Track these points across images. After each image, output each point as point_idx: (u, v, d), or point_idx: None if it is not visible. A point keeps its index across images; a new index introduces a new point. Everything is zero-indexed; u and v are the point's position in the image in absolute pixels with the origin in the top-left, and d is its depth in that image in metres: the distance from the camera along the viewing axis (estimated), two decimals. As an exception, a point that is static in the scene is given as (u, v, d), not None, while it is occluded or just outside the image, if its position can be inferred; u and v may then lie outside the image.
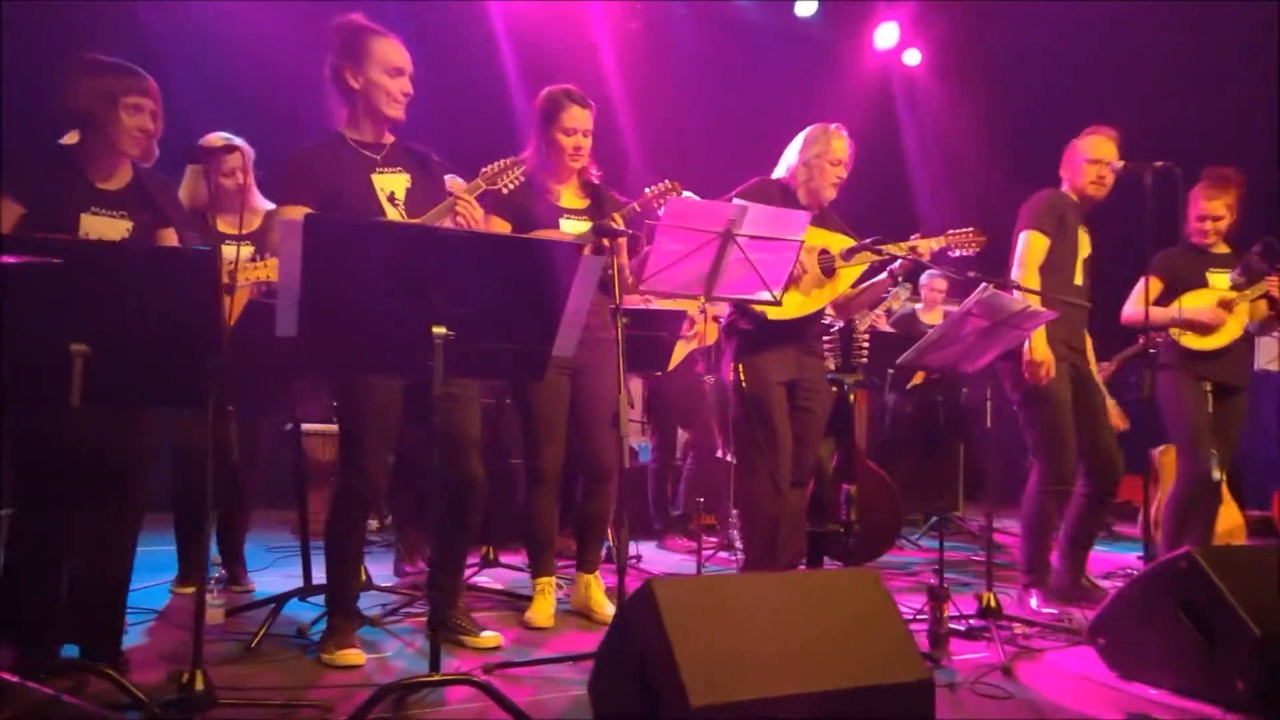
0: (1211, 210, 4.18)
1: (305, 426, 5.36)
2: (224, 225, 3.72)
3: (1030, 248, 3.83)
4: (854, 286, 3.72)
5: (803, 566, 3.89)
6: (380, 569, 4.36)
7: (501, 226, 3.27)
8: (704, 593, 2.13)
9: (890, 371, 5.61)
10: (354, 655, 2.92)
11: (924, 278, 6.22)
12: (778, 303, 3.06)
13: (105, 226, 2.68)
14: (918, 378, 5.93)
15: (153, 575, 3.86)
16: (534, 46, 6.79)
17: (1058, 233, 3.86)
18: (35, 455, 2.65)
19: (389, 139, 3.05)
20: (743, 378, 3.59)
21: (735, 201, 2.97)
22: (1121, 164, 3.83)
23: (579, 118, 3.40)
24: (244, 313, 3.11)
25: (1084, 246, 3.94)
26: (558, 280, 2.41)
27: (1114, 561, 5.05)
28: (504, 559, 4.50)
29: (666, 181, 3.23)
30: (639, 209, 3.28)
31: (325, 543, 3.13)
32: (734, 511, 5.35)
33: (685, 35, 7.86)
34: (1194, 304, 4.15)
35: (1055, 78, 7.51)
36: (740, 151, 7.28)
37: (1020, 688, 2.77)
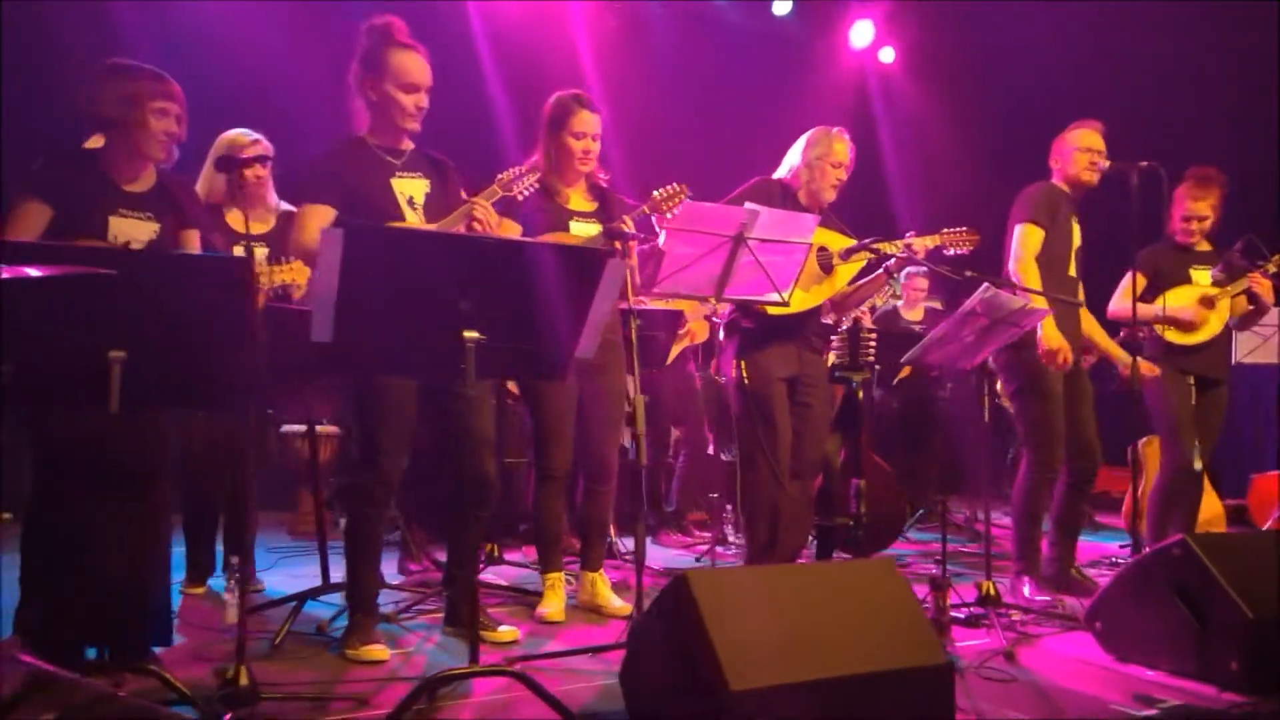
0: (1198, 210, 4.33)
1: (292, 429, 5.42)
2: (236, 222, 3.77)
3: (1026, 240, 3.94)
4: (850, 284, 3.84)
5: (805, 559, 4.00)
6: (384, 567, 4.42)
7: (512, 229, 3.35)
8: (736, 584, 2.23)
9: (877, 367, 5.73)
10: (378, 651, 2.99)
11: (902, 275, 6.35)
12: (786, 304, 3.16)
13: (133, 229, 2.74)
14: (904, 372, 6.05)
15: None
16: (511, 44, 6.83)
17: (1052, 224, 3.97)
18: (55, 457, 2.70)
19: (408, 145, 3.12)
20: (745, 374, 3.69)
21: (747, 206, 3.06)
22: (1108, 163, 3.96)
23: (588, 122, 3.48)
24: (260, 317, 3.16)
25: (1075, 237, 4.07)
26: (584, 284, 2.49)
27: (1096, 550, 5.21)
28: (507, 556, 4.58)
29: (674, 185, 3.32)
30: (648, 212, 3.36)
31: (345, 541, 3.20)
32: (728, 507, 5.46)
33: (662, 33, 7.93)
34: (1177, 300, 4.30)
35: (1029, 75, 7.65)
36: (717, 149, 7.40)
37: (1023, 671, 2.90)
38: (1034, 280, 3.82)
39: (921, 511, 6.03)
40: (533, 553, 4.85)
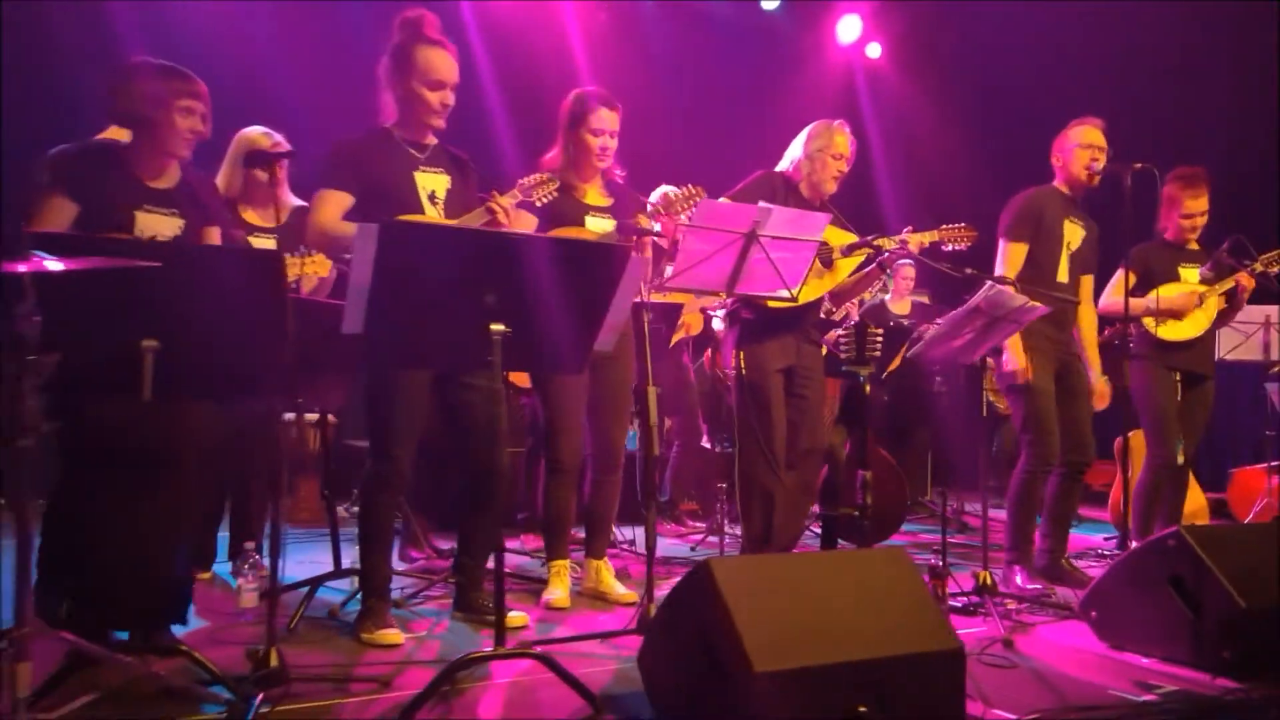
0: (1197, 209, 4.44)
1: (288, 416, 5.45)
2: (252, 217, 3.80)
3: (1009, 257, 4.05)
4: (849, 277, 3.91)
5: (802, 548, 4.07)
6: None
7: (528, 221, 3.40)
8: (755, 571, 2.30)
9: (840, 365, 5.81)
10: (393, 635, 3.04)
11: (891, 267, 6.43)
12: (795, 300, 3.23)
13: (159, 223, 2.78)
14: (893, 365, 6.15)
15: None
16: (502, 37, 6.86)
17: (1035, 236, 4.07)
18: (80, 445, 2.73)
19: (432, 140, 3.16)
20: (743, 365, 3.76)
21: (760, 204, 3.13)
22: (1102, 164, 4.05)
23: (606, 119, 3.53)
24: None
25: (1072, 238, 4.14)
26: (605, 279, 2.55)
27: (1082, 542, 5.32)
28: (506, 544, 4.63)
29: (690, 186, 3.38)
30: (662, 210, 3.42)
31: (359, 528, 3.25)
32: (723, 497, 5.54)
33: (652, 28, 7.97)
34: (1169, 295, 4.41)
35: (1015, 70, 7.77)
36: (705, 143, 7.46)
37: (1022, 658, 2.99)
38: None
39: (907, 503, 6.12)
40: (530, 541, 4.94)
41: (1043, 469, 4.02)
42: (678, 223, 3.37)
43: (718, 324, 5.29)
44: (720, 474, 5.78)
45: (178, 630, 2.87)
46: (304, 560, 4.27)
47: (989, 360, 4.03)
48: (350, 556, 3.85)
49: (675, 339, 5.54)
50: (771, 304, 3.63)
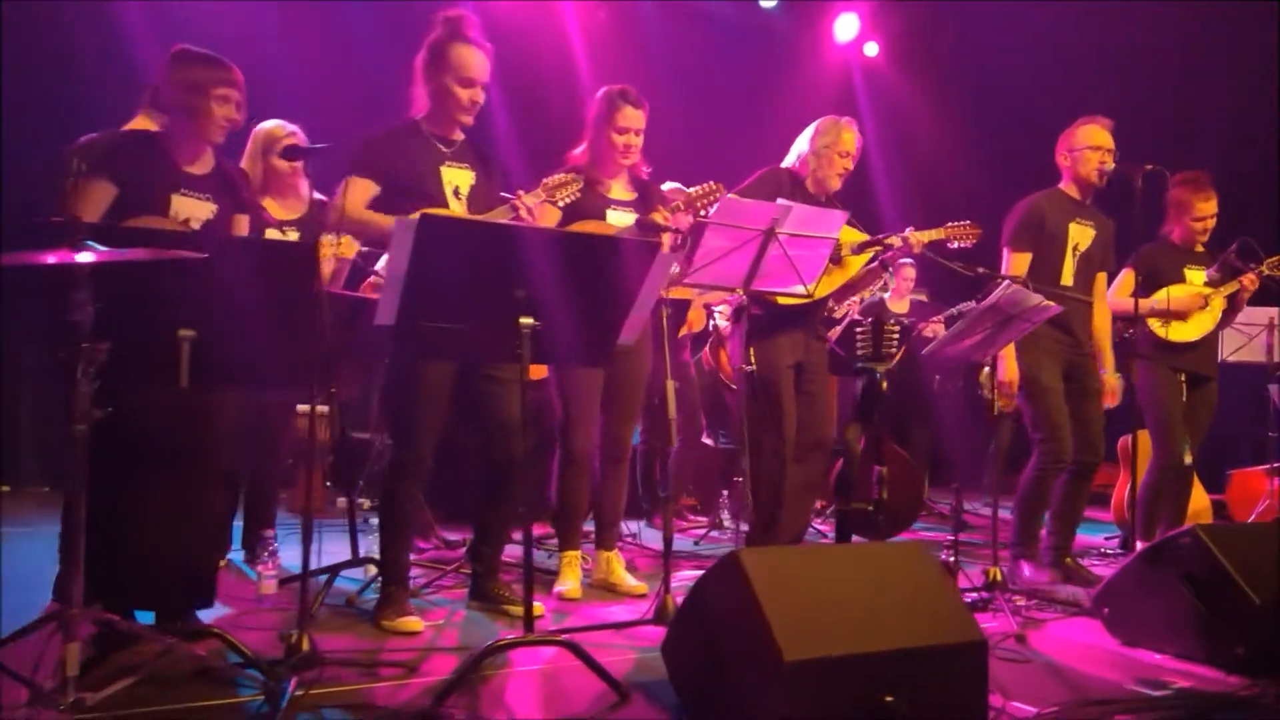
0: (1208, 211, 4.48)
1: (300, 408, 5.48)
2: (272, 208, 3.82)
3: (1012, 267, 4.09)
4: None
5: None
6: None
7: (552, 214, 3.42)
8: (783, 562, 2.33)
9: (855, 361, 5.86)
10: (414, 622, 3.07)
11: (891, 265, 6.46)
12: (811, 296, 3.27)
13: (194, 208, 2.83)
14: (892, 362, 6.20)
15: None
16: (501, 36, 6.85)
17: (1037, 243, 4.12)
18: (104, 432, 2.74)
19: (459, 135, 3.20)
20: (755, 360, 3.79)
21: (779, 201, 3.16)
22: (1112, 165, 4.09)
23: (632, 117, 3.56)
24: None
25: (1080, 240, 4.17)
26: (632, 274, 2.58)
27: (1083, 542, 5.36)
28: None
29: (711, 183, 3.42)
30: (682, 207, 3.45)
31: (380, 516, 3.27)
32: (724, 493, 5.58)
33: (651, 27, 7.99)
34: (1177, 295, 4.46)
35: (1012, 68, 7.82)
36: (704, 141, 7.46)
37: (1036, 654, 3.02)
38: None
39: (923, 499, 6.16)
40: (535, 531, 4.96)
41: (1055, 467, 4.06)
42: (687, 220, 3.40)
43: (720, 320, 5.32)
44: (720, 470, 5.83)
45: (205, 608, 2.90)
46: (314, 550, 4.27)
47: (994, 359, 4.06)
48: (360, 546, 3.89)
49: (679, 334, 5.57)
50: (782, 301, 3.66)
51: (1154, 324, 4.49)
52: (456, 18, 3.11)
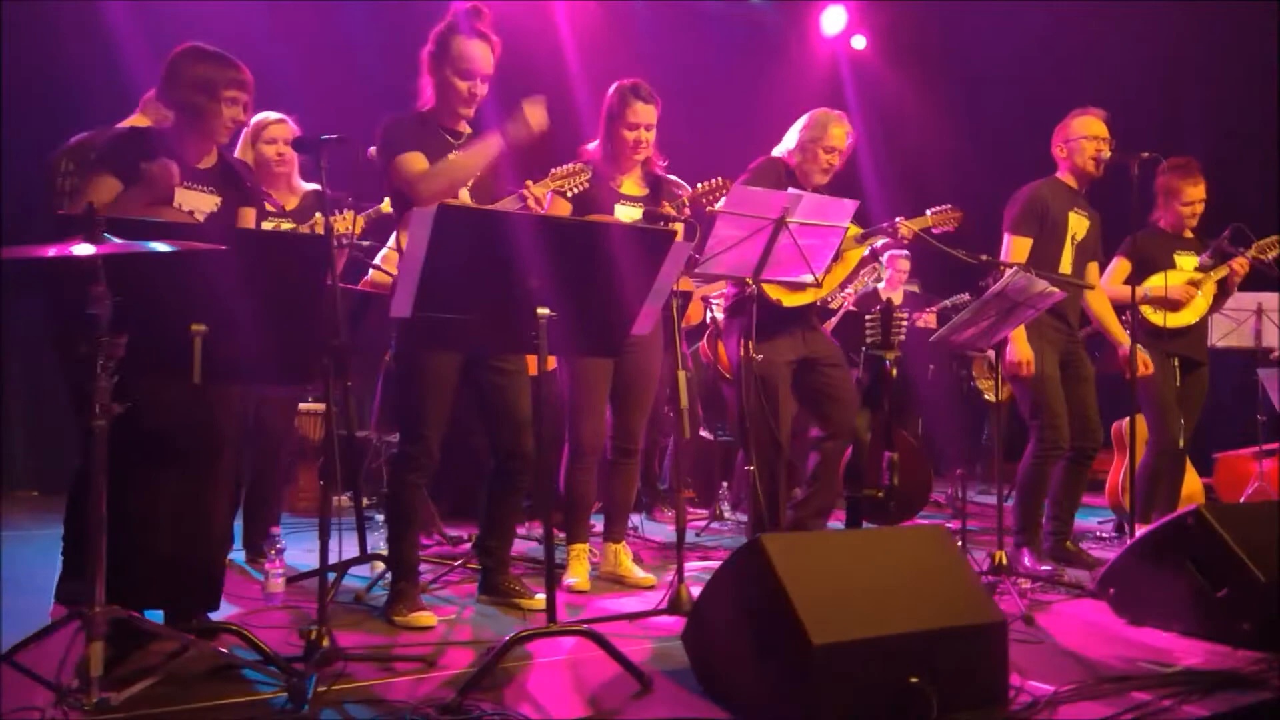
0: (1197, 196, 4.54)
1: (302, 406, 5.46)
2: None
3: (1014, 252, 4.11)
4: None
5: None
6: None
7: (563, 209, 3.43)
8: (806, 548, 2.35)
9: (864, 349, 5.90)
10: (426, 617, 3.06)
11: (885, 258, 6.51)
12: (819, 285, 3.29)
13: (198, 200, 2.82)
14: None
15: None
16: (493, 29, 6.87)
17: (1040, 229, 4.14)
18: (120, 426, 2.73)
19: (466, 128, 3.21)
20: (752, 356, 3.80)
21: (790, 190, 3.17)
22: (1109, 154, 4.13)
23: (642, 113, 3.57)
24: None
25: (1077, 229, 4.21)
26: (649, 265, 2.58)
27: (1078, 527, 5.41)
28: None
29: (718, 179, 3.43)
30: (687, 202, 3.47)
31: (387, 511, 3.26)
32: (724, 484, 5.61)
33: (640, 20, 7.99)
34: (1173, 281, 4.53)
35: (1000, 60, 7.90)
36: (693, 136, 7.46)
37: (1045, 634, 3.06)
38: None
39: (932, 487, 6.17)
40: (537, 527, 4.97)
41: (1053, 453, 4.10)
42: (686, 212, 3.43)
43: (719, 314, 5.33)
44: (718, 462, 5.86)
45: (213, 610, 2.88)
46: (315, 549, 4.24)
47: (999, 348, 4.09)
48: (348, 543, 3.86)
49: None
50: (787, 303, 3.69)
51: (1148, 311, 4.55)
52: (471, 10, 3.12)
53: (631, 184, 3.70)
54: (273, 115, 3.87)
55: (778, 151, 3.99)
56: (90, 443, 2.24)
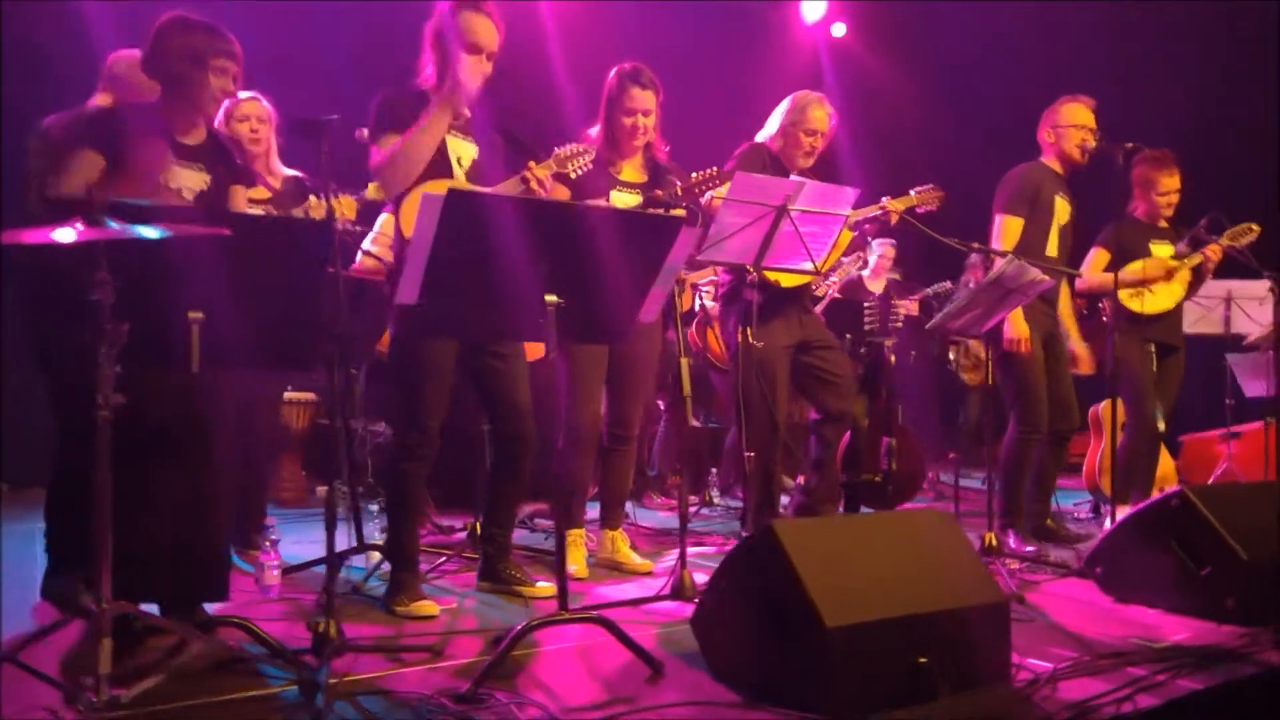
0: (1173, 186, 4.64)
1: (288, 395, 5.42)
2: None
3: (1005, 231, 4.19)
4: None
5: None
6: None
7: (562, 194, 3.43)
8: (816, 533, 2.39)
9: (848, 336, 5.97)
10: (429, 606, 3.07)
11: (875, 245, 6.58)
12: (819, 272, 3.33)
13: (188, 178, 2.78)
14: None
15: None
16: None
17: (1031, 210, 4.22)
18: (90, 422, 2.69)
19: (466, 111, 3.18)
20: (751, 341, 3.84)
21: (793, 178, 3.21)
22: (1094, 143, 4.21)
23: (639, 99, 3.58)
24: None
25: (1060, 214, 4.29)
26: (656, 250, 2.59)
27: (1054, 509, 5.53)
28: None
29: (713, 168, 3.45)
30: (680, 192, 3.48)
31: (387, 500, 3.26)
32: (712, 470, 5.65)
33: (620, 7, 7.98)
34: (1152, 269, 4.63)
35: (979, 47, 7.97)
36: (674, 124, 7.49)
37: (1038, 612, 3.13)
38: None
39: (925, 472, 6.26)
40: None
41: (1033, 436, 4.18)
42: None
43: (708, 301, 5.36)
44: (706, 449, 5.89)
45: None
46: (302, 540, 4.24)
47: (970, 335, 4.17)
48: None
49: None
50: (786, 283, 3.72)
51: (1125, 298, 4.64)
52: None
53: (631, 170, 3.71)
54: (245, 93, 3.77)
55: (760, 137, 4.03)
56: (93, 435, 2.22)
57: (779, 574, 2.24)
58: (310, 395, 5.63)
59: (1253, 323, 5.49)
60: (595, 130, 3.67)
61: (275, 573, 3.35)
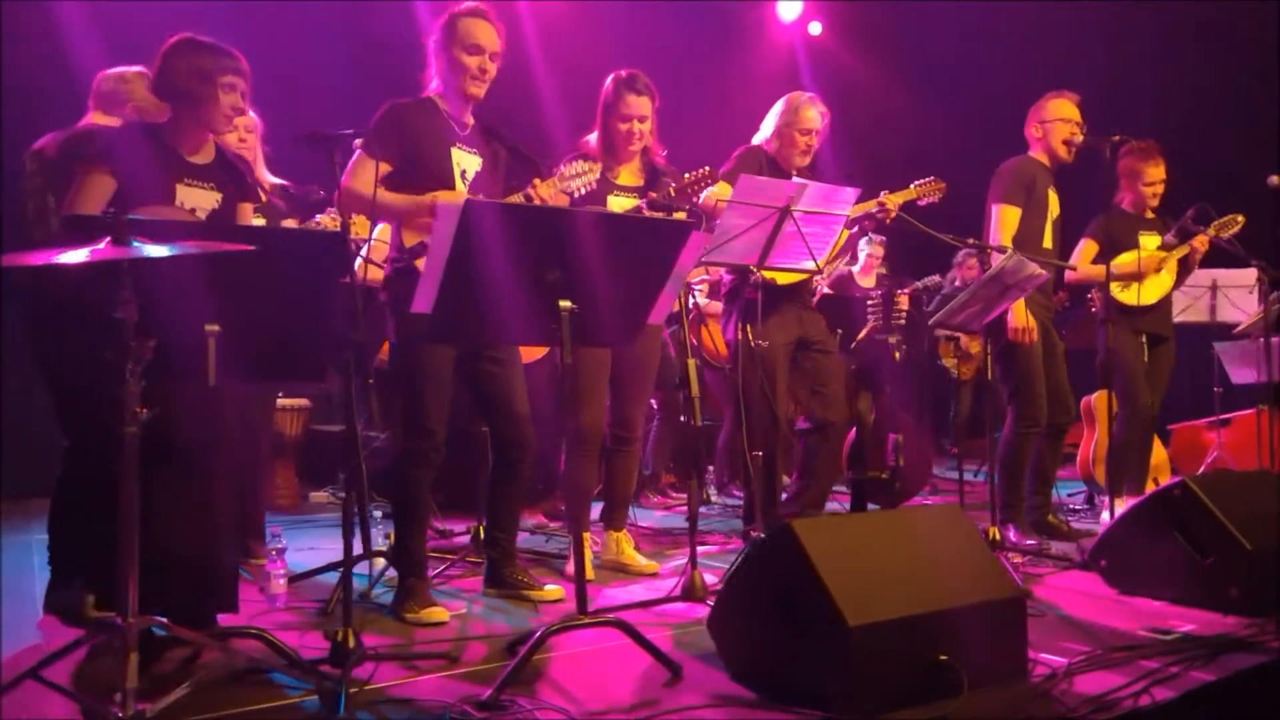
0: (1158, 176, 4.69)
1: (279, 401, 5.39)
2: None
3: (1003, 221, 4.20)
4: None
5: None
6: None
7: (560, 201, 3.42)
8: (833, 531, 2.40)
9: (839, 331, 6.00)
10: (439, 612, 3.06)
11: (864, 242, 6.62)
12: (820, 272, 3.34)
13: (198, 197, 2.77)
14: (861, 335, 6.34)
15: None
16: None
17: (1028, 200, 4.24)
18: (94, 433, 2.67)
19: (471, 119, 3.19)
20: (752, 338, 3.86)
21: (795, 179, 3.22)
22: (1081, 137, 4.24)
23: (635, 105, 3.58)
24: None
25: (1053, 207, 4.33)
26: (666, 255, 2.60)
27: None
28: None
29: (705, 169, 3.46)
30: (673, 192, 3.49)
31: (394, 507, 3.24)
32: (708, 468, 5.66)
33: (598, 7, 7.97)
34: (1140, 261, 4.67)
35: (956, 44, 8.04)
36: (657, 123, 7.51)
37: (1047, 606, 3.16)
38: None
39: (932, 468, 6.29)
40: (530, 517, 4.96)
41: (1032, 430, 4.21)
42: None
43: (700, 299, 5.37)
44: (702, 446, 5.89)
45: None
46: (301, 547, 4.22)
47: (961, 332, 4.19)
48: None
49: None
50: (782, 281, 3.73)
51: (1115, 289, 4.68)
52: (469, 7, 3.11)
53: (628, 174, 3.72)
54: None
55: (757, 139, 4.05)
56: (101, 447, 2.20)
57: (798, 573, 2.25)
58: (304, 401, 5.61)
59: (1238, 310, 5.56)
60: (592, 136, 3.68)
61: (281, 581, 3.33)
